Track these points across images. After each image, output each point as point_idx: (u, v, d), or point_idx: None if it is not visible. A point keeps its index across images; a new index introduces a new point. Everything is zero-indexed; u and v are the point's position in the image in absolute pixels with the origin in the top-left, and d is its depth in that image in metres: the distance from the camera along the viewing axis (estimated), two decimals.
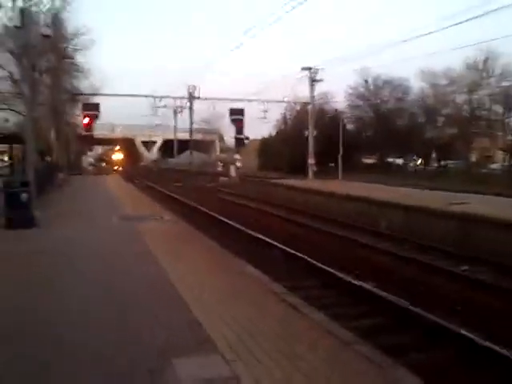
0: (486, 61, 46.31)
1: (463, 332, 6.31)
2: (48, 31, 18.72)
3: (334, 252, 11.95)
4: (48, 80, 32.22)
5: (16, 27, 15.59)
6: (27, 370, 4.13)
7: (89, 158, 41.57)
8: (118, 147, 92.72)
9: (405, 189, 24.47)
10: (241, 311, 5.57)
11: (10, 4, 24.49)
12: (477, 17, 20.72)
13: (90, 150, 43.29)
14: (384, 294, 8.02)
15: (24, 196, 11.96)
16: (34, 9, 24.31)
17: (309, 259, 10.54)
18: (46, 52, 28.15)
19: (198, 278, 7.10)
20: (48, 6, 27.07)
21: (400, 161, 57.58)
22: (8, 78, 28.32)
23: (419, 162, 54.62)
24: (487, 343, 5.95)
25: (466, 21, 20.53)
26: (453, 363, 5.79)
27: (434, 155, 54.12)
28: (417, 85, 54.70)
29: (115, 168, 70.40)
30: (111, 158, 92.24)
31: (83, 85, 43.15)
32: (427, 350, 6.16)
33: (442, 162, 52.02)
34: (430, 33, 24.07)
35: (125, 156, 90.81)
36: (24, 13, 13.58)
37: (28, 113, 14.95)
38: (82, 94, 41.89)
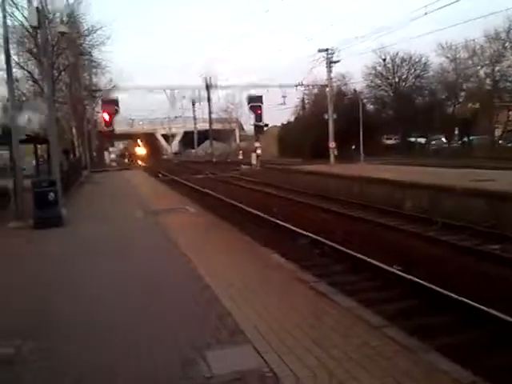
0: (509, 30, 44.82)
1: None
2: (64, 28, 18.85)
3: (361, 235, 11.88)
4: (67, 78, 32.61)
5: (33, 27, 15.76)
6: None
7: (111, 154, 41.97)
8: (140, 141, 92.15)
9: (429, 168, 24.11)
10: (270, 301, 5.60)
11: (25, 4, 24.84)
12: None
13: (112, 145, 43.68)
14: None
15: (51, 195, 12.18)
16: (49, 7, 24.63)
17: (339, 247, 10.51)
18: (64, 49, 28.45)
19: (224, 268, 7.16)
20: (63, 4, 27.40)
21: (422, 140, 56.60)
22: (29, 78, 28.77)
23: (446, 139, 53.40)
24: None
25: None
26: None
27: (456, 132, 53.01)
28: (436, 60, 53.47)
29: (139, 163, 69.09)
30: (134, 152, 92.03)
31: (101, 81, 43.64)
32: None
33: (465, 139, 50.93)
34: (447, 5, 23.28)
35: (147, 150, 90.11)
36: (40, 12, 13.66)
37: (49, 112, 15.14)
38: (100, 90, 42.33)
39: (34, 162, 18.30)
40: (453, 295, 6.96)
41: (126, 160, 65.34)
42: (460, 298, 6.82)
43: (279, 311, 5.25)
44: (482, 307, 6.46)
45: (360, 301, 5.90)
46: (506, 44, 45.97)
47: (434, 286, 7.37)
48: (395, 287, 7.93)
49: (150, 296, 6.03)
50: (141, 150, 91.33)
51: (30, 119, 32.00)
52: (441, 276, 8.19)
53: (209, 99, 57.38)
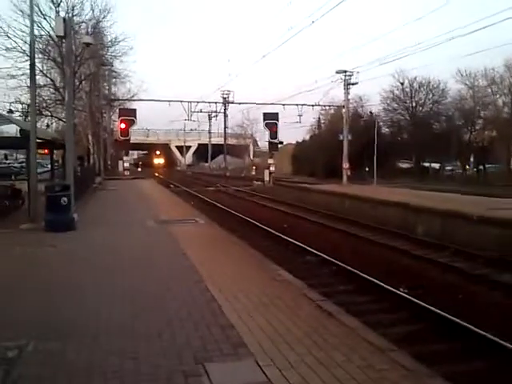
0: None
1: None
2: (89, 39, 19.26)
3: (371, 258, 11.79)
4: (87, 86, 33.18)
5: (59, 36, 16.10)
6: None
7: (125, 163, 42.31)
8: (158, 152, 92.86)
9: (442, 194, 23.94)
10: (275, 316, 5.57)
11: (53, 14, 25.49)
12: None
13: (127, 154, 44.07)
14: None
15: (64, 200, 12.30)
16: (75, 19, 25.22)
17: (349, 267, 10.44)
18: (87, 59, 29.02)
19: (231, 282, 7.13)
20: (89, 16, 28.04)
21: (436, 165, 56.33)
22: (50, 86, 29.34)
23: (461, 165, 52.95)
24: None
25: (507, 19, 19.88)
26: None
27: (472, 159, 52.72)
28: (454, 87, 53.42)
29: (155, 174, 67.01)
30: (151, 162, 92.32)
31: (120, 91, 44.34)
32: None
33: (481, 166, 50.59)
34: (469, 33, 23.34)
35: (164, 160, 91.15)
36: (66, 22, 13.98)
37: (68, 119, 15.38)
38: (118, 100, 42.95)
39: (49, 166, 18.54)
40: (460, 322, 6.86)
41: (139, 169, 65.75)
42: (468, 326, 6.71)
43: (283, 327, 5.21)
44: (489, 336, 6.35)
45: (366, 322, 5.83)
46: None
47: (441, 312, 7.27)
48: (402, 310, 7.84)
49: (153, 306, 6.01)
50: (159, 160, 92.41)
51: (47, 124, 32.57)
52: (450, 302, 8.09)
53: (225, 114, 57.84)
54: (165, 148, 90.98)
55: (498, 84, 48.16)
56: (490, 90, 48.89)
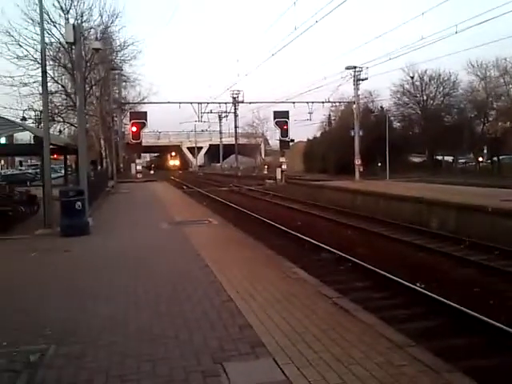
0: None
1: None
2: (98, 45, 19.43)
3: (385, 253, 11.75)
4: (97, 91, 33.44)
5: (69, 43, 16.26)
6: None
7: (137, 166, 42.62)
8: (173, 153, 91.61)
9: (456, 187, 23.75)
10: (292, 315, 5.58)
11: (63, 21, 25.78)
12: None
13: (139, 157, 44.38)
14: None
15: (78, 204, 12.42)
16: (84, 25, 25.46)
17: (361, 262, 10.42)
18: (96, 65, 29.27)
19: (247, 281, 7.15)
20: (98, 21, 28.28)
21: (450, 158, 55.84)
22: (62, 92, 29.65)
23: (474, 158, 52.28)
24: None
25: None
26: None
27: (485, 151, 52.15)
28: (465, 78, 52.86)
29: (170, 176, 63.17)
30: (163, 164, 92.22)
31: (130, 94, 44.63)
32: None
33: (495, 158, 50.00)
34: (479, 23, 23.06)
35: (180, 162, 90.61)
36: (76, 29, 14.11)
37: (80, 124, 15.53)
38: (129, 103, 43.23)
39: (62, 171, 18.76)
40: (479, 316, 6.80)
41: (152, 172, 66.09)
42: (487, 320, 6.66)
43: (300, 325, 5.21)
44: (509, 329, 6.29)
45: (383, 318, 5.82)
46: None
47: (460, 307, 7.22)
48: (419, 305, 7.80)
49: (169, 308, 6.05)
50: (174, 162, 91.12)
51: (60, 130, 32.91)
52: (466, 296, 8.04)
53: (235, 114, 57.82)
54: (177, 149, 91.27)
55: (510, 74, 47.55)
56: (502, 81, 48.28)
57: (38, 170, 31.81)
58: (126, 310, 6.00)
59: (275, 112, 41.03)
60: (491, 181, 31.01)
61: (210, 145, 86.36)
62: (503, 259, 11.02)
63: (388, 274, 9.19)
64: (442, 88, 53.93)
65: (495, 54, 58.98)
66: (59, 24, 26.35)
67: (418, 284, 8.66)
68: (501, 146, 48.75)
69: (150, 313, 5.87)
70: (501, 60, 47.18)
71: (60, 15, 26.82)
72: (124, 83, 41.03)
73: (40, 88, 20.51)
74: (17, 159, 55.67)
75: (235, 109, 56.11)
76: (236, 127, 61.49)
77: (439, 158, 55.52)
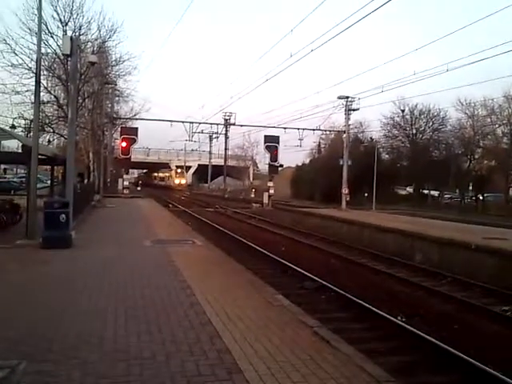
0: None
1: None
2: (94, 58, 19.47)
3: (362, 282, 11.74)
4: (90, 104, 33.39)
5: (65, 55, 16.28)
6: None
7: (125, 181, 42.42)
8: (179, 170, 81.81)
9: (440, 222, 23.97)
10: (271, 342, 5.51)
11: (60, 33, 25.85)
12: None
13: (127, 173, 44.22)
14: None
15: (63, 216, 12.25)
16: (82, 38, 25.55)
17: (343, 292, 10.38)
18: (91, 78, 29.28)
19: (228, 305, 7.07)
20: (95, 35, 28.39)
21: (435, 192, 56.55)
22: (54, 103, 29.55)
23: (459, 194, 52.91)
24: None
25: (509, 51, 20.16)
26: None
27: (470, 187, 52.91)
28: (454, 115, 53.94)
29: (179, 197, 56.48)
30: (151, 181, 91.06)
31: (123, 109, 44.65)
32: None
33: (480, 195, 50.72)
34: (470, 63, 23.76)
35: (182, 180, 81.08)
36: (73, 41, 14.16)
37: (70, 136, 15.44)
38: (120, 118, 43.19)
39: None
40: (458, 353, 6.79)
41: (139, 188, 65.74)
42: (465, 358, 6.65)
43: (280, 353, 5.14)
44: (486, 369, 6.28)
45: (363, 350, 5.77)
46: None
47: (439, 343, 7.21)
48: (400, 339, 7.77)
49: (147, 328, 5.94)
50: (180, 180, 79.34)
51: (49, 140, 32.72)
52: (447, 332, 8.05)
53: (226, 135, 58.18)
54: (165, 168, 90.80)
55: (497, 114, 48.66)
56: (489, 120, 49.36)
57: (24, 179, 31.47)
58: (103, 329, 5.88)
59: (266, 136, 41.30)
60: (475, 217, 31.37)
61: (199, 165, 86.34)
62: (484, 297, 11.09)
63: (369, 306, 9.17)
64: (431, 123, 54.99)
65: (483, 93, 60.40)
66: (56, 35, 26.37)
67: (399, 318, 8.65)
68: (485, 183, 49.54)
69: (127, 333, 5.75)
70: (488, 100, 48.36)
71: (58, 27, 26.85)
72: (117, 98, 41.02)
73: (32, 97, 20.44)
74: (2, 166, 55.05)
75: (226, 131, 56.55)
76: (226, 149, 61.87)
77: (425, 191, 56.16)
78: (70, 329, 5.81)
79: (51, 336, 5.52)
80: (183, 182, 79.37)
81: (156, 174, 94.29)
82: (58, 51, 25.67)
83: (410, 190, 58.38)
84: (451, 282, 12.49)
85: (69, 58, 17.11)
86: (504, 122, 47.84)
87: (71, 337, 5.51)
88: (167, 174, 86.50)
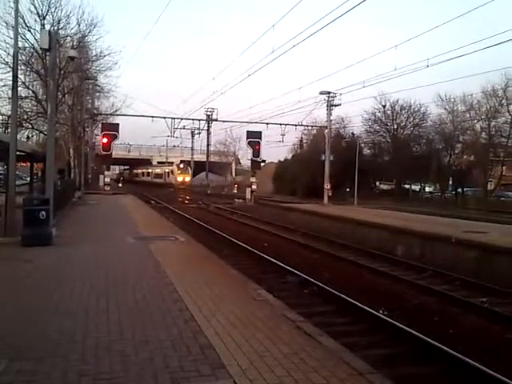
0: (505, 87, 46.08)
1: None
2: (74, 53, 19.17)
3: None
4: (69, 100, 32.94)
5: (43, 49, 16.01)
6: None
7: (106, 178, 42.08)
8: (182, 165, 69.52)
9: (422, 216, 24.26)
10: (254, 337, 5.52)
11: (38, 27, 25.39)
12: (496, 44, 20.67)
13: (108, 169, 43.83)
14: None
15: (42, 213, 12.08)
16: (61, 32, 25.13)
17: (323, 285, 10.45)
18: (70, 73, 28.85)
19: (211, 301, 7.07)
20: (75, 30, 27.96)
21: (416, 187, 57.20)
22: (32, 98, 29.05)
23: (440, 188, 53.59)
24: None
25: (488, 47, 20.47)
26: None
27: (450, 182, 53.66)
28: (435, 111, 54.58)
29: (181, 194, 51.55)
30: (134, 177, 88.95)
31: (103, 105, 44.15)
32: None
33: (459, 190, 51.48)
34: (449, 59, 24.04)
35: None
36: (51, 35, 13.93)
37: (50, 132, 15.22)
38: (101, 114, 42.73)
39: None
40: (438, 345, 6.90)
41: (120, 185, 65.17)
42: (445, 349, 6.76)
43: (263, 348, 5.16)
44: (467, 359, 6.39)
45: (345, 344, 5.82)
46: (503, 101, 47.15)
47: (419, 334, 7.30)
48: (382, 332, 7.85)
49: (129, 325, 5.91)
50: (184, 177, 66.63)
51: (28, 136, 32.21)
52: (428, 325, 8.16)
53: (208, 131, 58.03)
54: (147, 164, 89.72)
55: (475, 110, 49.35)
56: (468, 116, 50.04)
57: (2, 176, 31.04)
58: (85, 326, 5.82)
59: (248, 132, 41.32)
60: (455, 211, 31.83)
61: (181, 161, 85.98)
62: (464, 289, 11.27)
63: (352, 300, 9.24)
64: (412, 118, 55.49)
65: (463, 89, 61.20)
66: (34, 29, 25.94)
67: (381, 311, 8.74)
68: (465, 178, 50.27)
69: (108, 330, 5.70)
70: (467, 96, 49.01)
71: (36, 20, 26.39)
72: (98, 93, 40.54)
73: (9, 92, 20.11)
74: None
75: (208, 126, 56.44)
76: (208, 145, 61.73)
77: (406, 186, 56.75)
78: (50, 327, 5.74)
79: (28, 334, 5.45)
80: (187, 179, 66.77)
81: (144, 170, 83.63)
82: (35, 45, 25.25)
83: (391, 185, 58.95)
84: (432, 276, 12.66)
85: (47, 53, 16.86)
86: (482, 117, 48.56)
87: (52, 334, 5.45)
88: (166, 170, 72.59)
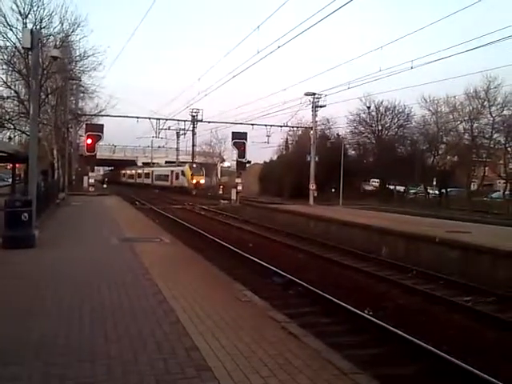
0: (487, 90, 46.70)
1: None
2: (57, 53, 18.91)
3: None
4: (53, 100, 32.57)
5: (25, 48, 15.79)
6: None
7: (90, 179, 41.71)
8: (194, 165, 60.76)
9: (406, 216, 24.46)
10: (240, 338, 5.50)
11: (20, 26, 25.05)
12: (479, 47, 20.98)
13: (92, 170, 43.45)
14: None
15: (25, 215, 11.89)
16: (43, 31, 24.82)
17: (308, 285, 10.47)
18: (54, 73, 28.50)
19: (196, 302, 7.03)
20: (58, 29, 27.63)
21: (401, 188, 57.66)
22: (14, 98, 28.66)
23: (424, 189, 54.10)
24: None
25: (470, 50, 20.76)
26: None
27: (434, 182, 54.20)
28: (419, 112, 55.11)
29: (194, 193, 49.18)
30: (119, 178, 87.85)
31: (88, 105, 43.74)
32: None
33: (443, 190, 52.01)
34: (433, 61, 24.41)
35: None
36: (34, 34, 13.75)
37: (32, 132, 15.02)
38: (85, 115, 42.35)
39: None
40: (423, 344, 6.94)
41: (105, 186, 64.55)
42: (431, 348, 6.80)
43: (248, 349, 5.14)
44: (451, 359, 6.45)
45: (330, 344, 5.83)
46: (485, 103, 47.77)
47: (404, 334, 7.35)
48: (367, 332, 7.88)
49: (114, 327, 5.85)
50: (198, 179, 57.52)
51: (10, 137, 31.79)
52: (413, 324, 8.22)
53: (193, 132, 57.77)
54: (132, 165, 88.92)
55: (458, 111, 49.91)
56: (451, 117, 50.59)
57: None
58: (68, 329, 5.74)
59: (233, 133, 41.27)
60: (439, 212, 32.16)
61: (166, 161, 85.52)
62: (447, 288, 11.38)
63: (337, 300, 9.27)
64: (396, 119, 55.97)
65: (446, 91, 61.86)
66: (16, 28, 25.56)
67: (366, 311, 8.78)
68: (449, 178, 50.82)
69: (92, 333, 5.64)
70: (450, 97, 49.57)
71: (18, 19, 26.01)
72: (82, 94, 40.12)
73: None
74: None
75: (193, 127, 56.12)
76: (193, 145, 61.38)
77: (391, 187, 57.18)
78: (33, 331, 5.66)
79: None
80: (202, 181, 58.68)
81: (139, 171, 77.42)
82: (17, 44, 24.88)
83: (375, 183, 59.33)
84: (416, 275, 12.76)
85: (29, 52, 16.62)
86: (465, 118, 49.11)
87: (34, 337, 5.37)
88: (175, 170, 63.44)
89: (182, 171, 60.09)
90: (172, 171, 64.16)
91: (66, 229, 16.73)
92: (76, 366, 4.58)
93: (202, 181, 57.53)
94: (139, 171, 78.90)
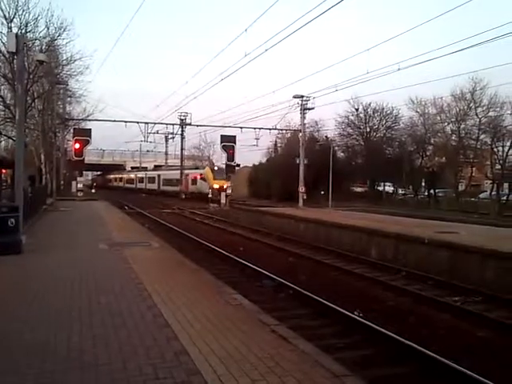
0: (473, 91, 47.18)
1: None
2: (43, 57, 18.74)
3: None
4: (40, 105, 32.32)
5: (10, 53, 15.63)
6: None
7: (79, 184, 41.40)
8: (216, 167, 53.45)
9: (395, 217, 24.56)
10: (229, 342, 5.47)
11: (5, 30, 24.84)
12: (465, 48, 21.20)
13: (81, 175, 43.10)
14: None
15: (12, 221, 11.77)
16: (29, 35, 24.62)
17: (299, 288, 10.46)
18: (40, 77, 28.28)
19: (185, 306, 6.99)
20: (43, 33, 27.41)
21: (390, 189, 57.97)
22: (0, 103, 28.38)
23: (413, 190, 54.47)
24: None
25: (457, 51, 20.91)
26: None
27: (423, 184, 54.55)
28: (407, 113, 55.44)
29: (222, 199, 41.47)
30: (108, 183, 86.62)
31: (75, 110, 43.50)
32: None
33: (432, 191, 52.39)
34: (420, 62, 24.59)
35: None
36: (19, 39, 13.62)
37: (19, 138, 14.87)
38: (73, 119, 42.08)
39: None
40: (414, 345, 6.96)
41: (93, 191, 64.12)
42: (420, 349, 6.82)
43: (238, 353, 5.12)
44: (442, 359, 6.46)
45: (320, 346, 5.82)
46: (471, 104, 48.22)
47: (395, 335, 7.36)
48: (357, 334, 7.88)
49: (103, 332, 5.79)
50: (219, 182, 46.30)
51: None
52: (403, 325, 8.24)
53: (182, 136, 57.61)
54: (120, 169, 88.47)
55: (446, 112, 50.34)
56: (438, 118, 51.01)
57: None
58: (56, 336, 5.68)
59: (222, 136, 41.16)
60: (427, 213, 32.37)
61: (155, 165, 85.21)
62: (436, 289, 11.43)
63: (327, 302, 9.27)
64: (384, 121, 56.31)
65: (433, 92, 62.35)
66: (1, 32, 25.36)
67: (356, 313, 8.78)
68: (437, 179, 51.19)
69: (80, 339, 5.57)
70: (438, 99, 49.98)
71: (2, 23, 25.80)
72: (69, 98, 39.91)
73: None
74: None
75: (182, 131, 55.91)
76: (182, 149, 61.20)
77: (380, 188, 57.45)
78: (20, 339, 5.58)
79: None
80: (224, 186, 44.84)
81: (139, 175, 71.56)
82: (2, 49, 24.67)
83: (365, 187, 59.61)
84: (406, 276, 12.80)
85: (15, 56, 16.46)
86: (452, 120, 49.54)
87: (21, 347, 5.29)
88: (194, 173, 55.06)
89: (202, 175, 52.58)
90: (195, 174, 54.68)
91: (54, 234, 16.57)
92: (64, 373, 4.52)
93: (226, 185, 44.75)
94: (138, 175, 73.86)
